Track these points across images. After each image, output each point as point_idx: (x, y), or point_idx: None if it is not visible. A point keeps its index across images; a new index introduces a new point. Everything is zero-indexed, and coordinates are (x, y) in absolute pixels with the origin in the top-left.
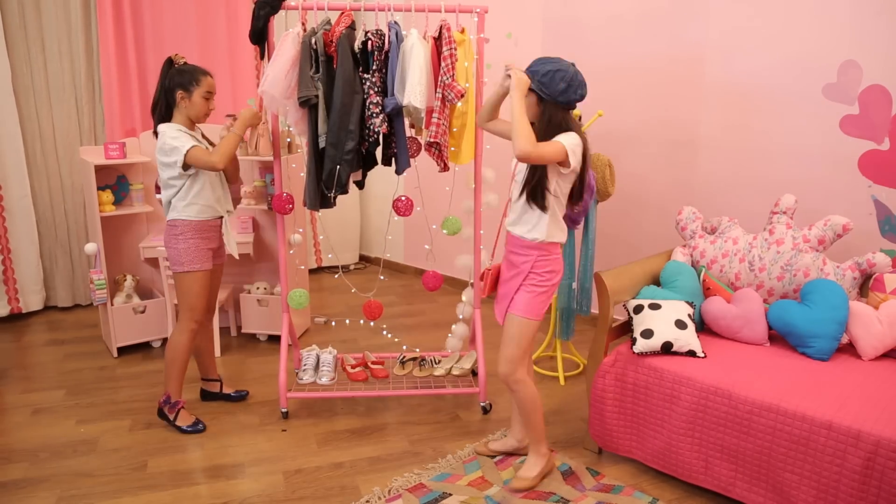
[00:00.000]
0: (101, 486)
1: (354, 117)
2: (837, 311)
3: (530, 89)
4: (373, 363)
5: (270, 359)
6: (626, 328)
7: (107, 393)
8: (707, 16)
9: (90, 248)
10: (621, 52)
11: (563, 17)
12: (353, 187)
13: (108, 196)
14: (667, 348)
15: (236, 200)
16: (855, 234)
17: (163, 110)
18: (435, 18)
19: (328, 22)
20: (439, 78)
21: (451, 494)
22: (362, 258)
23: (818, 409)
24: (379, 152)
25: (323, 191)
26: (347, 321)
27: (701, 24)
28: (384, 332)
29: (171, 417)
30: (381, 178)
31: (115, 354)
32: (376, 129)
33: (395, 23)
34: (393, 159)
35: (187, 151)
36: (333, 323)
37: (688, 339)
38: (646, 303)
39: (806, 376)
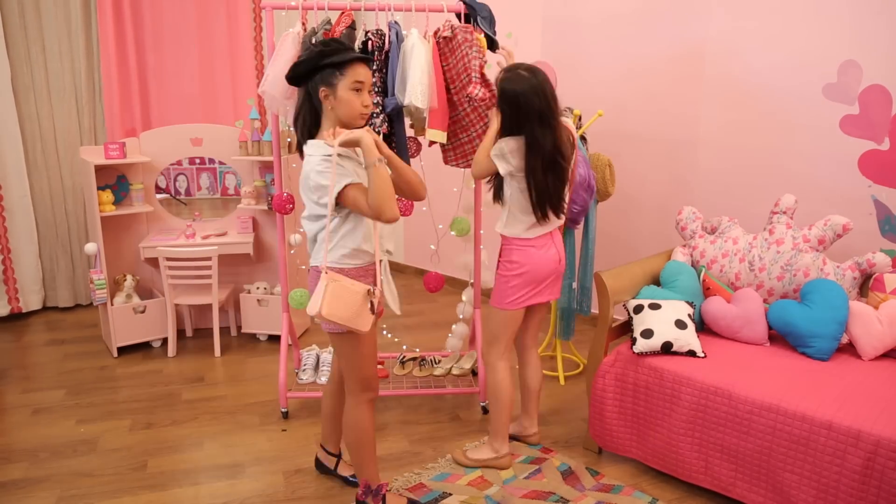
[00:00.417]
0: (100, 486)
1: None
2: (837, 311)
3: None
4: None
5: (270, 359)
6: (627, 328)
7: (107, 393)
8: (707, 15)
9: (90, 247)
10: (621, 52)
11: (563, 17)
12: None
13: (108, 196)
14: (667, 348)
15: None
16: (855, 234)
17: (307, 120)
18: (435, 18)
19: (328, 22)
20: (473, 88)
21: (451, 494)
22: None
23: (818, 409)
24: None
25: None
26: None
27: (701, 24)
28: (384, 332)
29: None
30: None
31: (115, 354)
32: (377, 129)
33: (396, 22)
34: None
35: (341, 192)
36: None
37: (688, 338)
38: (646, 303)
39: (806, 376)
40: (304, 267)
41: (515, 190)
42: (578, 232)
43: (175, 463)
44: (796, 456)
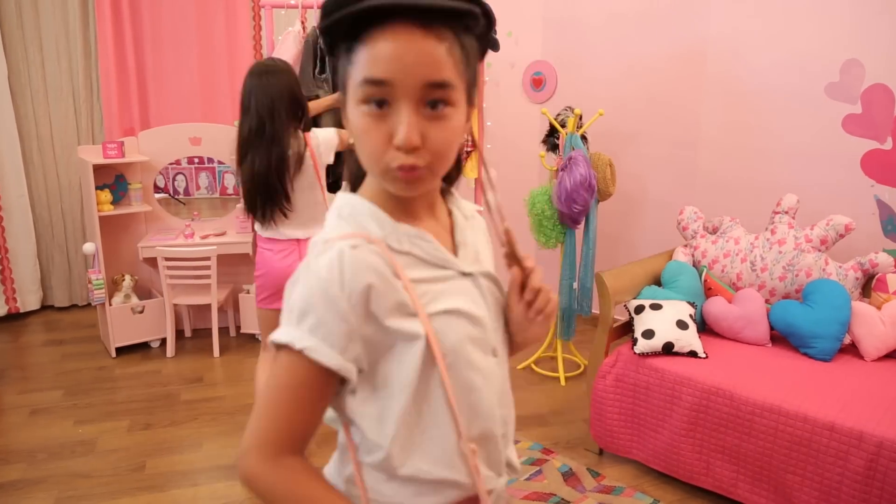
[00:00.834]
0: (99, 487)
1: None
2: (840, 312)
3: None
4: None
5: None
6: (627, 328)
7: (105, 393)
8: (708, 15)
9: (88, 247)
10: (622, 52)
11: (564, 16)
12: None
13: (106, 195)
14: (668, 349)
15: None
16: (857, 234)
17: None
18: None
19: None
20: None
21: None
22: None
23: (820, 409)
24: None
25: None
26: None
27: (702, 23)
28: None
29: None
30: None
31: (114, 354)
32: None
33: None
34: None
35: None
36: None
37: (689, 339)
38: (647, 303)
39: (808, 377)
40: None
41: None
42: (579, 232)
43: (173, 464)
44: (798, 457)
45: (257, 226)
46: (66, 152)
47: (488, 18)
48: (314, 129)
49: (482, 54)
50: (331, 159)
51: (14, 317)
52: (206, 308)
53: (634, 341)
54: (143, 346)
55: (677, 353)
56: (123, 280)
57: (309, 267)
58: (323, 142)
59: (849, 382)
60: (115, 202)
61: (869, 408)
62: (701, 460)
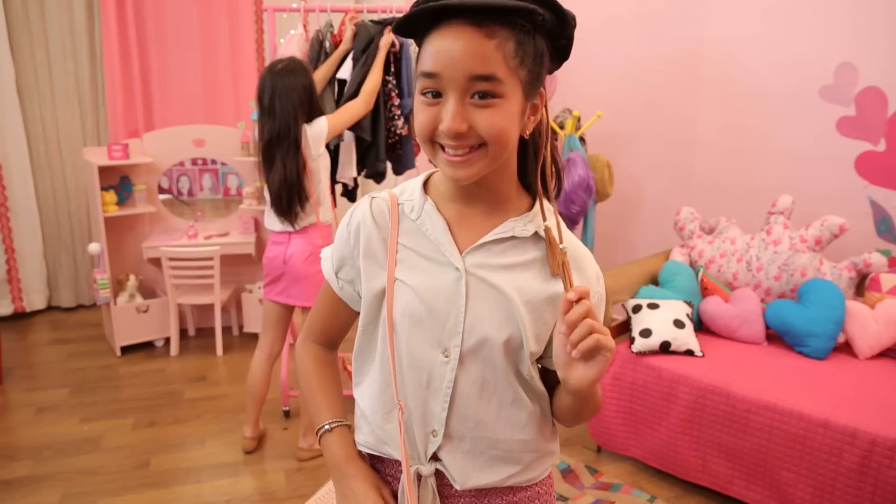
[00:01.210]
0: (104, 484)
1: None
2: (834, 311)
3: None
4: None
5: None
6: (625, 328)
7: (110, 392)
8: (705, 18)
9: (94, 248)
10: (620, 54)
11: None
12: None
13: (111, 196)
14: (665, 347)
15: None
16: (851, 234)
17: None
18: None
19: (331, 25)
20: None
21: None
22: None
23: (815, 407)
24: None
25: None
26: None
27: (699, 27)
28: None
29: None
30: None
31: (118, 353)
32: (398, 132)
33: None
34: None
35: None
36: None
37: (686, 338)
38: (644, 302)
39: (803, 375)
40: None
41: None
42: (577, 232)
43: (178, 461)
44: (793, 454)
45: (272, 220)
46: (72, 154)
47: (561, 20)
48: (304, 126)
49: (559, 54)
50: (321, 151)
51: (20, 316)
52: (210, 308)
53: (632, 340)
54: (148, 345)
55: (674, 352)
56: (128, 280)
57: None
58: (311, 136)
59: (843, 380)
60: (120, 203)
61: (862, 405)
62: (697, 457)
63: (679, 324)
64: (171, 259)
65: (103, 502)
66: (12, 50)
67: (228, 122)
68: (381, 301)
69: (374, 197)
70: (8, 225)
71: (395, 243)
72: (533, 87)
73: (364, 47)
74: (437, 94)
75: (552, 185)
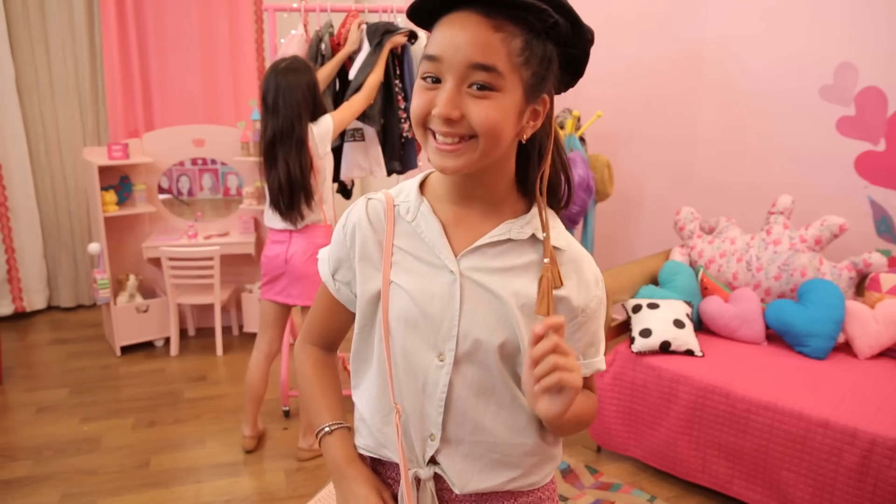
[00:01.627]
0: (104, 484)
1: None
2: (834, 311)
3: None
4: None
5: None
6: (625, 328)
7: (110, 391)
8: (705, 18)
9: (94, 247)
10: (620, 54)
11: None
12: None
13: (111, 196)
14: (665, 347)
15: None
16: (850, 234)
17: None
18: None
19: (331, 25)
20: None
21: None
22: None
23: (815, 407)
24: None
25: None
26: None
27: (699, 26)
28: None
29: None
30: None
31: (118, 353)
32: (404, 134)
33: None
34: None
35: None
36: None
37: (686, 338)
38: (644, 302)
39: (803, 375)
40: None
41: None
42: (577, 232)
43: (177, 461)
44: (793, 454)
45: (272, 218)
46: (71, 154)
47: (577, 29)
48: (310, 125)
49: (572, 67)
50: (328, 149)
51: (20, 316)
52: (210, 307)
53: (632, 340)
54: (148, 345)
55: (674, 352)
56: (128, 280)
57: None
58: (318, 135)
59: (843, 380)
60: (120, 203)
61: (862, 405)
62: (697, 457)
63: (679, 324)
64: (171, 259)
65: (103, 502)
66: (12, 49)
67: (228, 122)
68: (376, 304)
69: (371, 198)
70: (8, 225)
71: (390, 245)
72: (536, 90)
73: (377, 46)
74: (437, 80)
75: (563, 193)
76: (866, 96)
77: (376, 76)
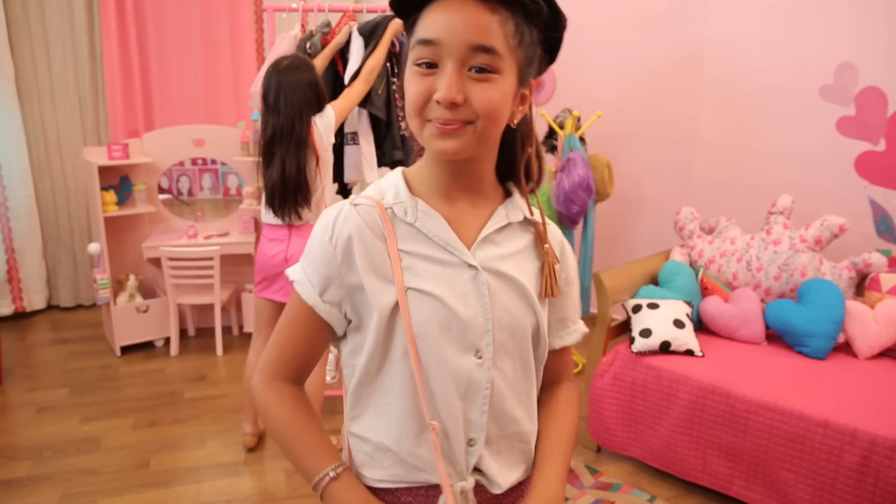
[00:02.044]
0: (104, 484)
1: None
2: (834, 311)
3: None
4: None
5: None
6: (624, 328)
7: (110, 392)
8: (705, 18)
9: (93, 247)
10: (620, 54)
11: None
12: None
13: (111, 196)
14: (665, 347)
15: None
16: (850, 234)
17: None
18: None
19: (327, 24)
20: None
21: None
22: None
23: (815, 407)
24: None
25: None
26: None
27: (698, 27)
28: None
29: None
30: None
31: (118, 353)
32: (402, 132)
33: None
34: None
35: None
36: None
37: (686, 338)
38: (644, 302)
39: (803, 375)
40: None
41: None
42: (577, 232)
43: (178, 461)
44: (793, 454)
45: (267, 215)
46: (71, 154)
47: (555, 16)
48: (314, 118)
49: (548, 55)
50: (332, 139)
51: (20, 316)
52: (210, 307)
53: (632, 340)
54: (147, 345)
55: (674, 352)
56: (128, 280)
57: (321, 218)
58: (323, 128)
59: (843, 380)
60: (120, 203)
61: (862, 405)
62: (697, 457)
63: (679, 324)
64: (171, 259)
65: (103, 502)
66: (12, 49)
67: (228, 122)
68: (394, 318)
69: (358, 204)
70: (8, 225)
71: (396, 251)
72: (526, 72)
73: (370, 33)
74: (432, 65)
75: (536, 178)
76: (866, 96)
77: (374, 60)
